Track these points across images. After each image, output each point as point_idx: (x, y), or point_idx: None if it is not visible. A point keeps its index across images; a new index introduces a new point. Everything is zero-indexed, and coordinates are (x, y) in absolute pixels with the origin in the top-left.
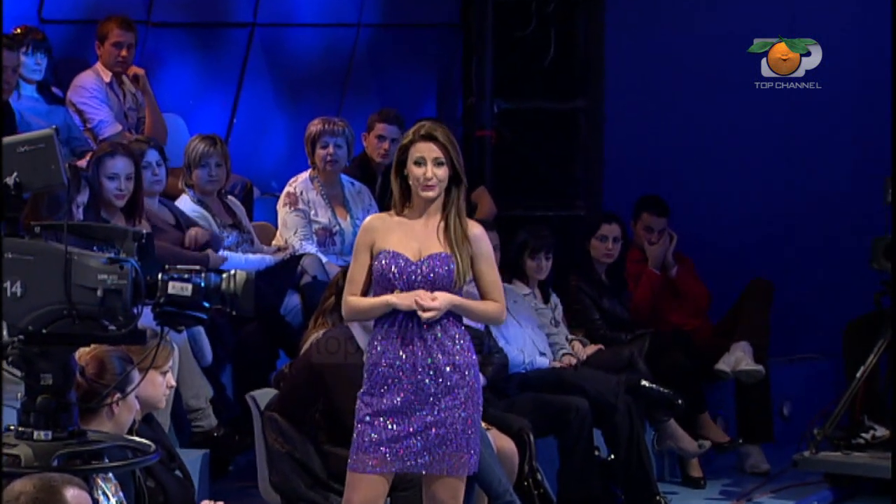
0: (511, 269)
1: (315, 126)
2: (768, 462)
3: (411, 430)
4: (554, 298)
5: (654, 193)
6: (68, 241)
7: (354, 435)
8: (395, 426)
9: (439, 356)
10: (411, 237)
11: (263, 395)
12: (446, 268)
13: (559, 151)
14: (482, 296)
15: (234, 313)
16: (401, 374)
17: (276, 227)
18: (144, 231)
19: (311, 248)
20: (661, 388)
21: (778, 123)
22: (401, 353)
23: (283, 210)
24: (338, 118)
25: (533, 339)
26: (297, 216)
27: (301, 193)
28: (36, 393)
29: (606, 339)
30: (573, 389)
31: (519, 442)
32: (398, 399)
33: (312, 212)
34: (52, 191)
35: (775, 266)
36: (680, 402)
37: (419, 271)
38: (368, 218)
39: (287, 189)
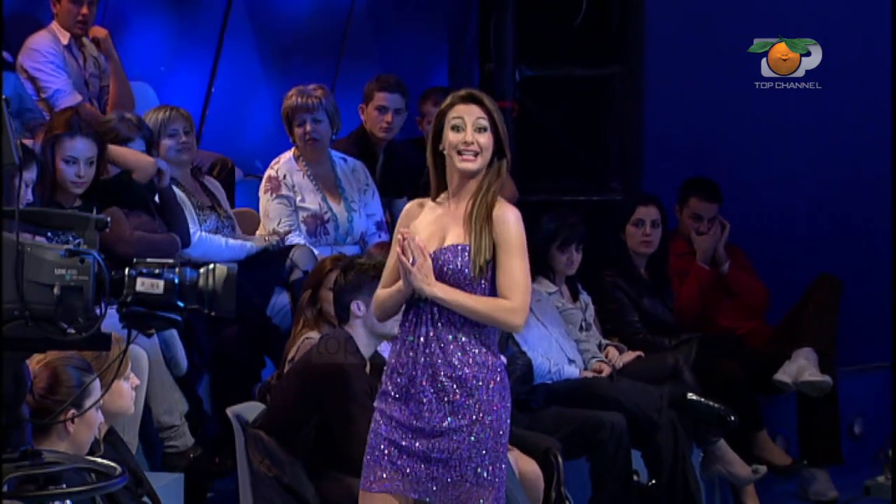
0: (534, 264)
1: (290, 100)
2: (836, 489)
3: (415, 448)
4: (584, 297)
5: (703, 175)
6: (20, 230)
7: (367, 448)
8: (402, 441)
9: (443, 368)
10: (439, 225)
11: (247, 410)
12: (458, 260)
13: (591, 126)
14: (498, 291)
15: (212, 314)
16: (408, 381)
17: None
18: (108, 219)
19: (297, 240)
20: (711, 403)
21: (852, 96)
22: (411, 358)
23: (264, 197)
24: (314, 86)
25: (560, 344)
26: (281, 204)
27: (284, 177)
28: None
29: (646, 345)
30: (608, 403)
31: (545, 464)
32: (404, 410)
33: (299, 197)
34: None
35: (844, 260)
36: (732, 418)
37: (433, 265)
38: (409, 203)
39: (268, 172)
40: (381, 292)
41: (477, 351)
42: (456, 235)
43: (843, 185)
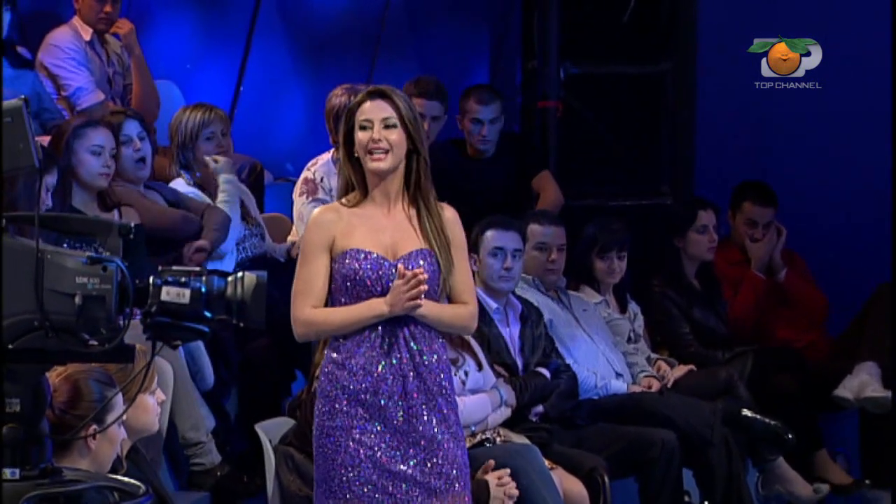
0: (578, 272)
1: (338, 98)
2: None
3: (407, 474)
4: (633, 308)
5: (758, 178)
6: (40, 237)
7: (352, 483)
8: (395, 466)
9: (433, 383)
10: (379, 231)
11: (276, 426)
12: (432, 268)
13: (640, 126)
14: (452, 294)
15: (241, 325)
16: (387, 399)
17: (292, 220)
18: (132, 224)
19: None
20: (767, 419)
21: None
22: (395, 375)
23: (299, 200)
24: (363, 85)
25: (607, 357)
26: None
27: (321, 180)
28: (1, 422)
29: (698, 359)
30: (657, 420)
31: (590, 484)
32: (389, 433)
33: None
34: (22, 175)
35: None
36: (790, 436)
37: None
38: (317, 211)
39: (304, 174)
40: (331, 317)
41: (446, 358)
42: (414, 241)
43: None
